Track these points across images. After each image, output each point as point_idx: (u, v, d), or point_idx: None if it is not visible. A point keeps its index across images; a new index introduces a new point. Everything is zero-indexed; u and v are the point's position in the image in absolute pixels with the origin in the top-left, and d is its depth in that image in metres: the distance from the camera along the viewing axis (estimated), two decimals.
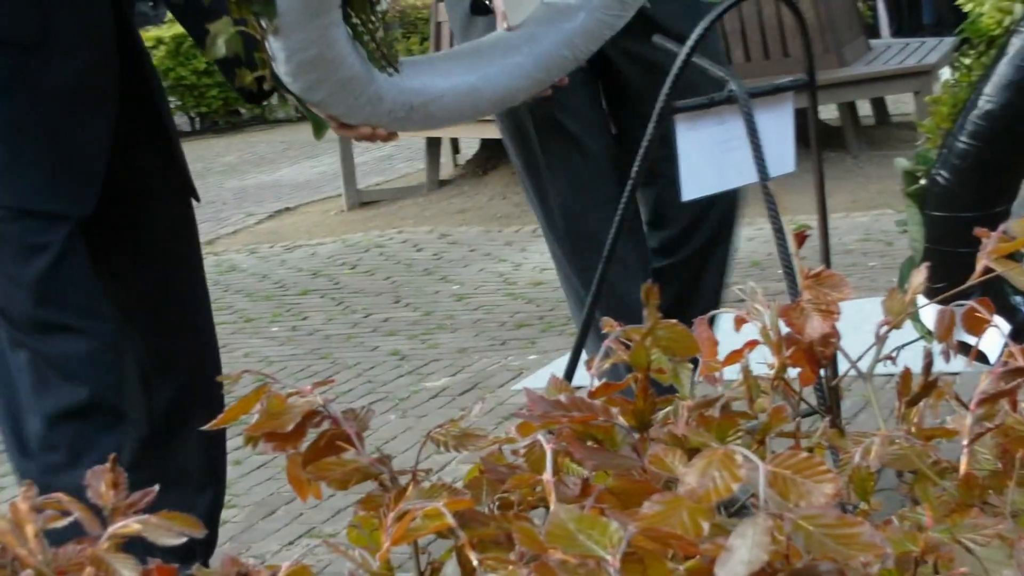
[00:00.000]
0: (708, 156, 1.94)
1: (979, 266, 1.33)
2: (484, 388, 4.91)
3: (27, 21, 2.55)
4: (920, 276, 1.34)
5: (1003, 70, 2.25)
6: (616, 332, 1.43)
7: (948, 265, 2.04)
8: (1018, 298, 2.54)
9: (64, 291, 2.55)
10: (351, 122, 2.49)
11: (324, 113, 2.48)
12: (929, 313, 2.32)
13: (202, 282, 2.93)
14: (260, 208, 9.30)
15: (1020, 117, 2.27)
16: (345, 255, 7.47)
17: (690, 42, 1.77)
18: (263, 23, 2.29)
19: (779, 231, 1.67)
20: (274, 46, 2.33)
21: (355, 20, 2.45)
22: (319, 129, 2.56)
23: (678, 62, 1.80)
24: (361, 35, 2.46)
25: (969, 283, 1.35)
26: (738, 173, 1.94)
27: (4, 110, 2.55)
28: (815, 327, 1.33)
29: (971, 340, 1.38)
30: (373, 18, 2.47)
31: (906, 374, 1.39)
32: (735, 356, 1.44)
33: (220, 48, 2.32)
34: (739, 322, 1.43)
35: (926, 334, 2.45)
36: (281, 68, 2.36)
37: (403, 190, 8.95)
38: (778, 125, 1.97)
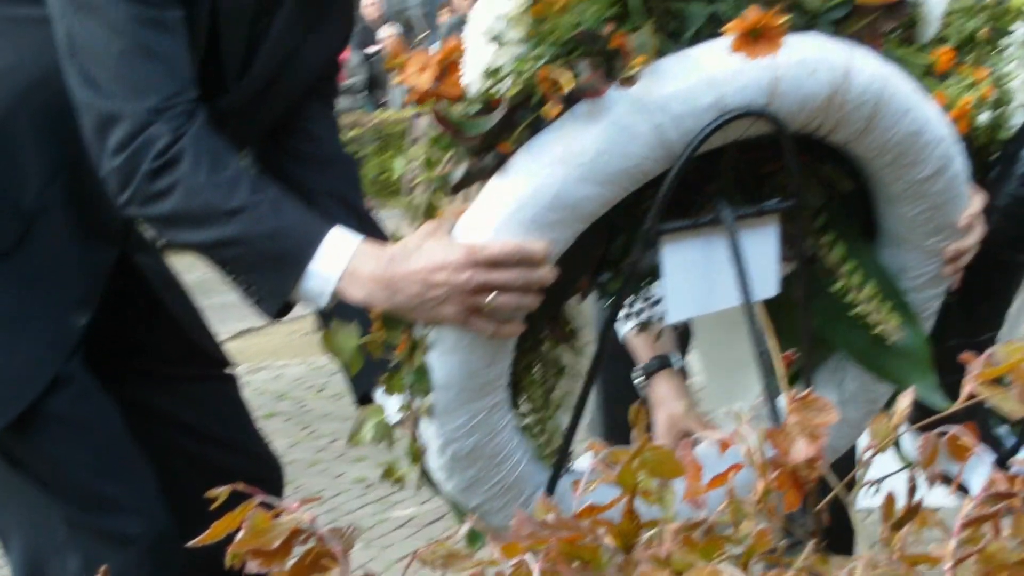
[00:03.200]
0: (693, 278, 1.93)
1: (964, 392, 1.34)
2: (452, 518, 4.85)
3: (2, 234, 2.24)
4: (906, 400, 1.35)
5: (989, 195, 2.23)
6: (602, 454, 1.43)
7: None
8: (1002, 429, 2.52)
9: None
10: None
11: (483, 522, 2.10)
12: (911, 442, 2.32)
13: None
14: (224, 328, 9.24)
15: (1006, 244, 2.26)
16: (312, 378, 7.43)
17: (678, 165, 1.77)
18: (416, 401, 1.97)
19: (763, 354, 1.68)
20: (426, 432, 1.99)
21: (523, 409, 2.11)
22: (474, 542, 2.03)
23: (667, 184, 1.80)
24: (530, 427, 2.11)
25: (952, 409, 1.36)
26: (723, 296, 1.93)
27: None
28: (800, 451, 1.34)
29: (954, 471, 1.39)
30: (546, 407, 2.11)
31: (890, 498, 1.39)
32: (719, 480, 1.44)
33: (366, 436, 2.06)
34: (724, 445, 1.43)
35: (908, 464, 2.44)
36: (433, 461, 2.02)
37: None
38: (762, 247, 1.97)
